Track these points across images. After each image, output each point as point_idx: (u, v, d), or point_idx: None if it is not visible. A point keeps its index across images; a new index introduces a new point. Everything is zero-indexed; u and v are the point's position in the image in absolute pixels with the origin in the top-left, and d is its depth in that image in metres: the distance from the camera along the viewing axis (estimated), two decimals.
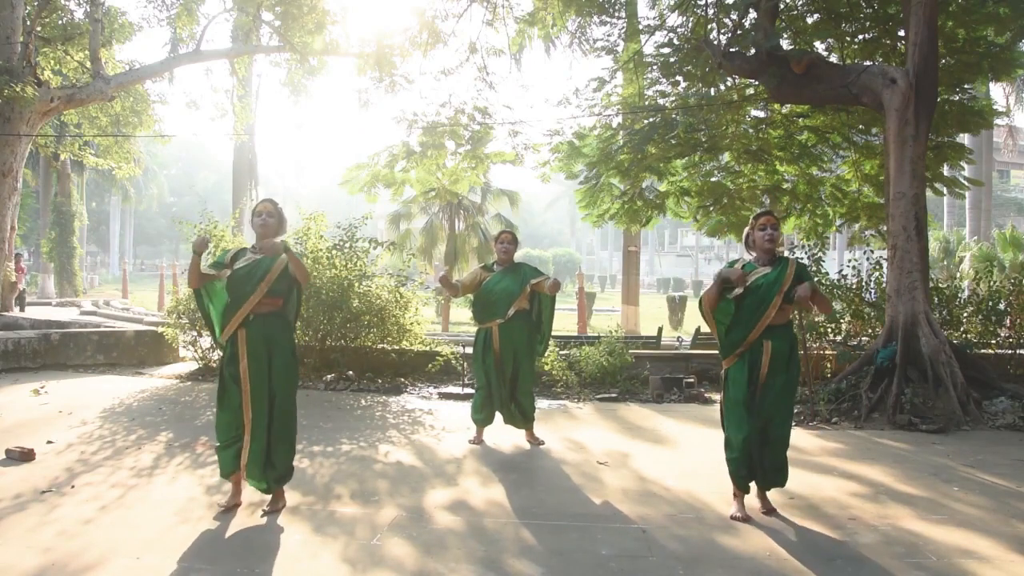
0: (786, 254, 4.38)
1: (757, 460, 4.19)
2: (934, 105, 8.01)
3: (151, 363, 10.08)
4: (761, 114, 11.16)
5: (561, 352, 8.88)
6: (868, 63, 8.83)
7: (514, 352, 5.80)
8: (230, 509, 4.17)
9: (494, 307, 5.78)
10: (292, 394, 4.27)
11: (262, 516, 4.09)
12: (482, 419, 5.98)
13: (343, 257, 8.99)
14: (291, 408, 4.25)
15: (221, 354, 4.31)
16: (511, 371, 5.81)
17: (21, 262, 19.64)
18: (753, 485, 4.29)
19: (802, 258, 8.89)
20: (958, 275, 17.38)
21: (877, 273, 8.98)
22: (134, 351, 10.17)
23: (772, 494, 4.41)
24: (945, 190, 11.26)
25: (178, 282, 20.86)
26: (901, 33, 9.12)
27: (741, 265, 4.33)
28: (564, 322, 19.93)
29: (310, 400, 7.63)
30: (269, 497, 4.24)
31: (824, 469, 5.30)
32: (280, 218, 4.31)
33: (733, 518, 4.15)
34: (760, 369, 4.17)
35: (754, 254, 4.34)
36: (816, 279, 8.74)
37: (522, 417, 5.92)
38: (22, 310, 16.69)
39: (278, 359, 4.16)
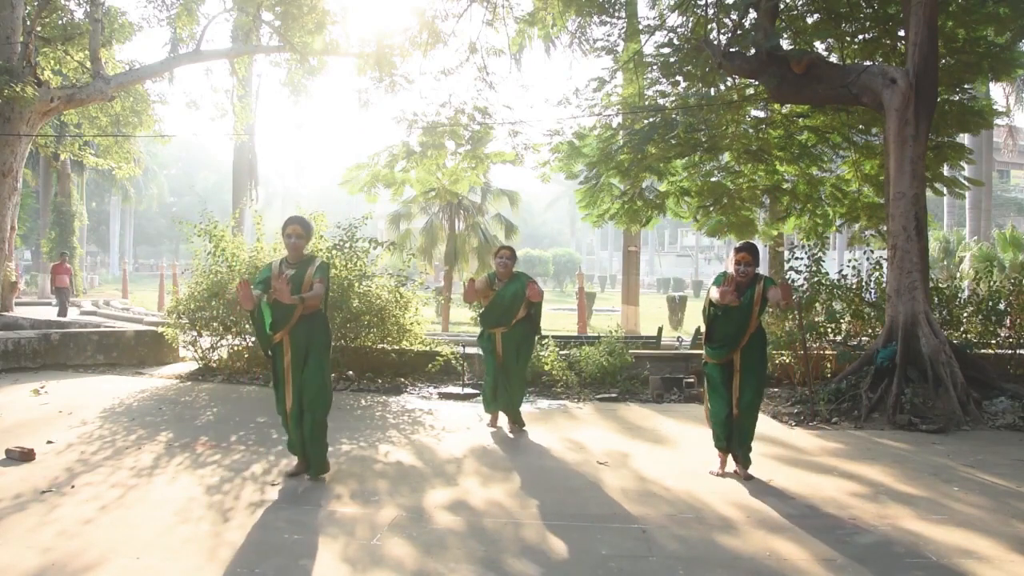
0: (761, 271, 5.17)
1: (733, 432, 5.01)
2: (934, 105, 8.01)
3: (151, 363, 10.08)
4: (761, 114, 11.16)
5: (561, 352, 8.88)
6: (868, 63, 8.83)
7: (516, 352, 6.48)
8: (294, 476, 4.85)
9: (500, 317, 6.45)
10: (326, 388, 4.84)
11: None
12: (494, 408, 6.66)
13: (343, 257, 8.99)
14: (326, 401, 4.84)
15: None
16: (510, 369, 6.47)
17: (66, 262, 18.75)
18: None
19: (800, 257, 8.92)
20: (958, 275, 17.37)
21: (877, 273, 8.98)
22: (134, 351, 10.17)
23: (774, 499, 4.44)
24: (945, 190, 11.26)
25: (178, 282, 20.86)
26: (901, 33, 9.12)
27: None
28: (564, 322, 19.95)
29: None
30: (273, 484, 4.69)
31: (824, 469, 5.30)
32: (308, 236, 4.90)
33: (711, 473, 5.04)
34: (733, 369, 4.98)
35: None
36: (816, 279, 8.77)
37: (510, 403, 6.50)
38: (62, 313, 16.26)
39: (313, 358, 4.74)
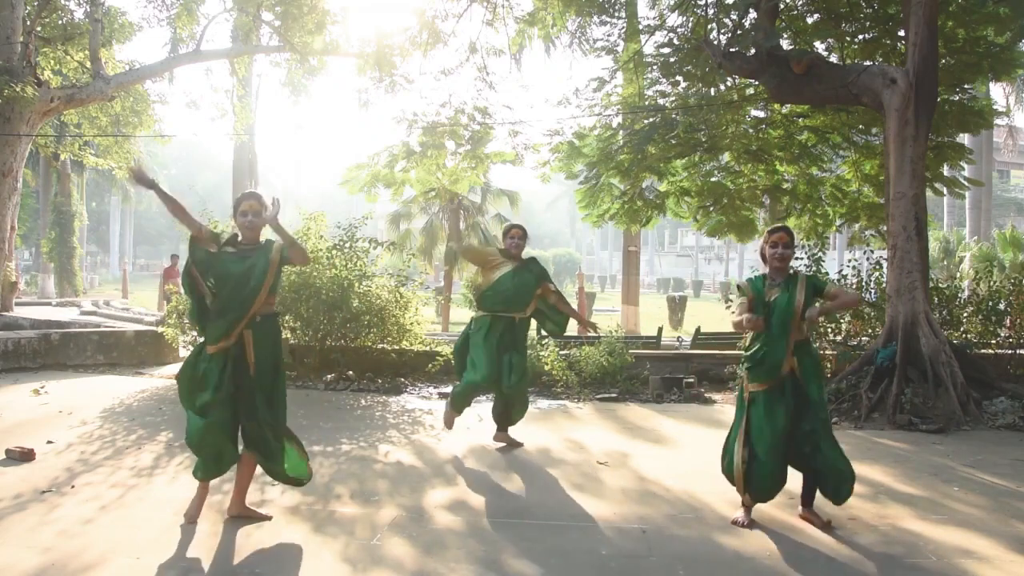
0: (801, 269, 4.20)
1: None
2: (934, 105, 8.01)
3: (151, 363, 10.08)
4: (761, 114, 11.16)
5: (561, 352, 8.87)
6: (868, 63, 8.83)
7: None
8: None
9: (510, 301, 5.63)
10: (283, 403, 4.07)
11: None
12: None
13: (343, 257, 8.99)
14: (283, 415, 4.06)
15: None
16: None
17: (177, 264, 16.76)
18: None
19: (800, 257, 8.88)
20: (958, 275, 17.37)
21: (877, 273, 8.98)
22: (134, 351, 10.17)
23: (774, 499, 4.46)
24: (945, 190, 11.26)
25: (178, 282, 20.86)
26: (901, 33, 9.12)
27: (746, 280, 4.22)
28: None
29: (310, 400, 7.63)
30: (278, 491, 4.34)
31: None
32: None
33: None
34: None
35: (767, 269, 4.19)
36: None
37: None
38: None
39: (271, 364, 3.95)
